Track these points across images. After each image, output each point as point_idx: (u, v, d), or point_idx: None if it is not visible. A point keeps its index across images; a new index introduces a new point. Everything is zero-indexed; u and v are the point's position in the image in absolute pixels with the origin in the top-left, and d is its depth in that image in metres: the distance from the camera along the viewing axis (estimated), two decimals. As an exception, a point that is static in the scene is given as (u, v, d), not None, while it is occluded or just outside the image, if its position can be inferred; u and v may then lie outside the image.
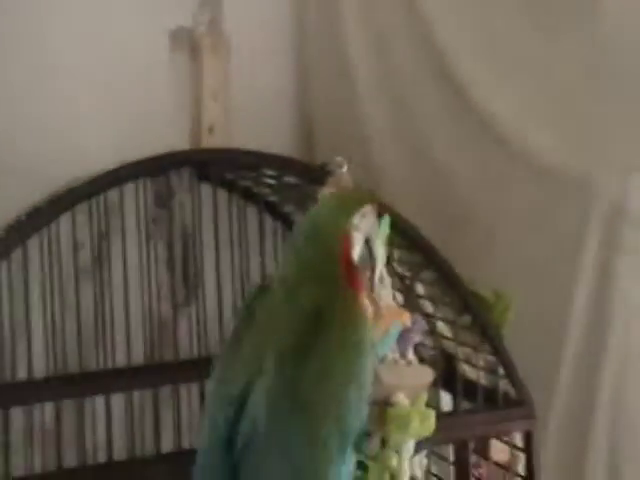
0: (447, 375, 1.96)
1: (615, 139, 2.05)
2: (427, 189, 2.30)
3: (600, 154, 2.05)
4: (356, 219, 1.39)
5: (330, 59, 2.48)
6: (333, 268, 1.30)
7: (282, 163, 1.93)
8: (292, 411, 1.17)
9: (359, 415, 1.25)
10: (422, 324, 1.84)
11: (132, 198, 2.06)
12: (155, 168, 1.98)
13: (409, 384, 1.73)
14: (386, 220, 1.85)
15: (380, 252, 1.45)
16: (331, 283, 1.29)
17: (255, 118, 2.43)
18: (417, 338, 1.81)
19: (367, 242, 1.43)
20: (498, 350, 1.91)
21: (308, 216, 1.38)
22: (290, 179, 1.97)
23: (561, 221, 2.08)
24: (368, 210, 1.41)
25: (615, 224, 2.01)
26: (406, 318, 1.76)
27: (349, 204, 1.38)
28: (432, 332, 1.97)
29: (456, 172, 2.25)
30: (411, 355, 1.81)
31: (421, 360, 1.94)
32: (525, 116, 2.15)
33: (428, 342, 2.01)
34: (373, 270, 1.42)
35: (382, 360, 1.72)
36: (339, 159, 1.87)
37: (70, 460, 1.93)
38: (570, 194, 2.06)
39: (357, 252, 1.40)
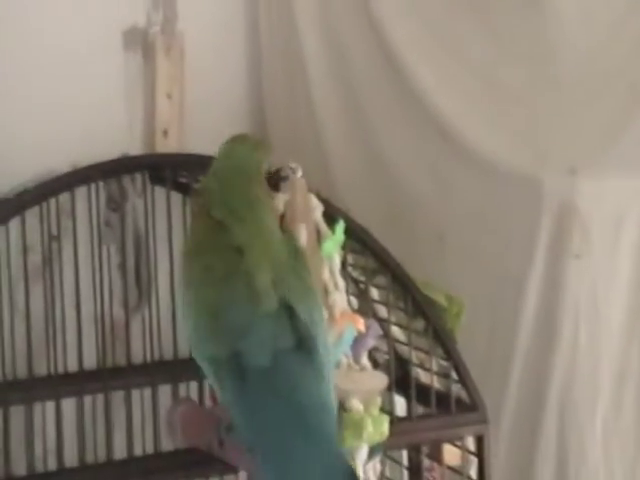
0: (401, 379, 1.97)
1: (562, 139, 2.07)
2: (379, 191, 2.32)
3: (548, 154, 2.07)
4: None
5: (285, 60, 2.47)
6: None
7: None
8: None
9: None
10: (376, 329, 1.85)
11: (84, 201, 2.03)
12: (108, 172, 1.96)
13: (363, 389, 1.74)
14: (341, 225, 1.86)
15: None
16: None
17: (209, 120, 2.41)
18: (371, 343, 1.83)
19: None
20: (451, 355, 1.92)
21: (228, 153, 1.57)
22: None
23: (511, 222, 2.10)
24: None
25: (565, 225, 2.03)
26: (360, 323, 1.77)
27: (260, 148, 1.61)
28: (386, 336, 1.98)
29: (407, 174, 2.26)
30: (365, 360, 1.83)
31: (375, 364, 1.95)
32: (473, 116, 2.17)
33: (382, 346, 2.02)
34: None
35: (336, 365, 1.73)
36: (294, 165, 1.86)
37: (19, 468, 1.89)
38: (520, 195, 2.08)
39: None
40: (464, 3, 2.19)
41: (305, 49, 2.39)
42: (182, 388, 2.15)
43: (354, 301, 2.02)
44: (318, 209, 1.86)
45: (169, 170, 1.97)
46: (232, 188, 1.50)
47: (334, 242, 1.83)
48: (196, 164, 1.92)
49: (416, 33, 2.23)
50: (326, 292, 1.80)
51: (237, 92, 2.51)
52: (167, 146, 2.37)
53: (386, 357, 2.04)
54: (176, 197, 2.16)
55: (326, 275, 1.82)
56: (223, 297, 1.37)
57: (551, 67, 2.07)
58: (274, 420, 1.28)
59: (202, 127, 2.39)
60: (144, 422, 2.16)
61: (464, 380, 1.92)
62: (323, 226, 1.84)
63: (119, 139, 2.29)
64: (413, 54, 2.23)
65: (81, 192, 2.01)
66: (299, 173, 1.86)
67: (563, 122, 2.05)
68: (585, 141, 2.02)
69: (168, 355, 2.19)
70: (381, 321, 2.00)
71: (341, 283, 1.84)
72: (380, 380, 1.78)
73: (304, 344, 1.36)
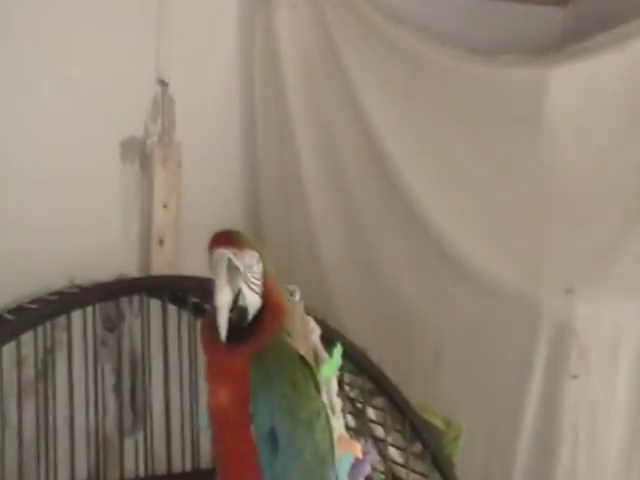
0: (398, 500, 1.95)
1: (558, 260, 2.10)
2: (375, 306, 2.31)
3: (544, 274, 2.09)
4: None
5: (281, 171, 2.49)
6: None
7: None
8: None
9: None
10: (373, 455, 1.83)
11: (80, 321, 2.02)
12: (105, 295, 1.96)
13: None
14: (338, 349, 1.85)
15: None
16: None
17: (205, 229, 2.41)
18: (368, 469, 1.80)
19: None
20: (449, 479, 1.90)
21: None
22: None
23: (509, 341, 2.11)
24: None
25: (563, 345, 2.04)
26: (357, 450, 1.75)
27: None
28: (383, 457, 1.96)
29: (404, 291, 2.27)
30: (363, 487, 1.80)
31: (372, 485, 1.93)
32: (470, 234, 2.20)
33: (379, 466, 1.99)
34: None
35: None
36: (291, 287, 1.87)
37: None
38: (517, 313, 2.10)
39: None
40: (460, 122, 2.24)
41: (302, 163, 2.42)
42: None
43: (351, 420, 2.01)
44: (316, 332, 1.85)
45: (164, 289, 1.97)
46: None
47: (332, 366, 1.82)
48: (192, 286, 1.93)
49: (412, 150, 2.27)
50: (324, 417, 1.79)
51: (233, 201, 2.51)
52: (163, 255, 2.37)
53: (382, 477, 2.01)
54: (172, 309, 2.17)
55: (324, 399, 1.81)
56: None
57: (547, 187, 2.11)
58: None
59: (198, 236, 2.38)
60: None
61: (463, 505, 1.90)
62: (321, 350, 1.83)
63: (116, 248, 2.29)
64: (409, 171, 2.26)
65: (77, 312, 2.01)
66: (297, 296, 1.87)
67: (559, 242, 2.08)
68: (581, 262, 2.05)
69: (161, 470, 2.17)
70: (378, 441, 1.99)
71: (338, 407, 1.82)
72: (377, 509, 1.77)
73: None
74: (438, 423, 1.95)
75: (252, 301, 1.40)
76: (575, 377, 2.01)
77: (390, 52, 2.39)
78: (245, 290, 1.39)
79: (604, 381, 2.03)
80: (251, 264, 1.41)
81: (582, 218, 2.10)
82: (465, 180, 2.23)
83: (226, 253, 1.41)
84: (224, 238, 1.44)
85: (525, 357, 2.05)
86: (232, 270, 1.39)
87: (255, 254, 1.42)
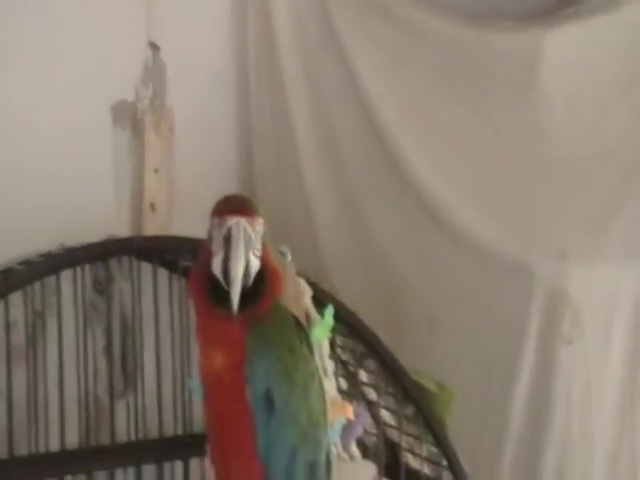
0: (390, 463, 1.94)
1: (552, 224, 2.09)
2: (369, 273, 2.31)
3: (538, 239, 2.09)
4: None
5: (275, 137, 2.47)
6: None
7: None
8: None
9: None
10: (365, 417, 1.83)
11: (70, 282, 2.00)
12: (94, 256, 1.94)
13: (353, 481, 1.72)
14: (330, 310, 1.84)
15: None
16: None
17: (198, 194, 2.40)
18: (360, 431, 1.81)
19: None
20: (441, 442, 1.90)
21: None
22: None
23: (502, 307, 2.10)
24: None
25: (556, 310, 2.03)
26: (349, 412, 1.75)
27: None
28: (376, 420, 1.96)
29: (397, 257, 2.26)
30: (354, 448, 1.80)
31: (364, 448, 1.92)
32: (464, 201, 2.20)
33: (371, 430, 1.99)
34: None
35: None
36: (283, 248, 1.86)
37: None
38: (510, 279, 2.09)
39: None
40: (454, 87, 2.22)
41: (296, 128, 2.39)
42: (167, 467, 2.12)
43: (343, 383, 2.01)
44: (307, 293, 1.85)
45: (155, 251, 1.95)
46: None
47: (323, 328, 1.81)
48: (183, 247, 1.91)
49: (405, 116, 2.25)
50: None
51: (226, 167, 2.49)
52: (155, 220, 2.36)
53: (375, 439, 2.01)
54: (163, 273, 2.16)
55: (315, 361, 1.80)
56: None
57: (541, 152, 2.10)
58: None
59: (190, 201, 2.38)
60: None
61: (454, 467, 1.90)
62: (313, 311, 1.82)
63: (107, 213, 2.27)
64: (403, 136, 2.24)
65: (67, 273, 2.00)
66: (288, 257, 1.86)
67: (553, 207, 2.08)
68: (575, 225, 2.05)
69: (153, 434, 2.16)
70: (370, 404, 1.98)
71: (330, 369, 1.82)
72: (369, 470, 1.77)
73: None
74: (431, 386, 1.95)
75: (255, 267, 1.39)
76: (569, 342, 2.01)
77: (383, 17, 2.38)
78: (252, 258, 1.38)
79: (598, 346, 2.03)
80: (260, 232, 1.40)
81: (576, 182, 2.10)
82: (459, 145, 2.22)
83: (242, 222, 1.39)
84: (238, 206, 1.41)
85: (519, 322, 2.05)
86: (246, 240, 1.38)
87: (262, 221, 1.42)
